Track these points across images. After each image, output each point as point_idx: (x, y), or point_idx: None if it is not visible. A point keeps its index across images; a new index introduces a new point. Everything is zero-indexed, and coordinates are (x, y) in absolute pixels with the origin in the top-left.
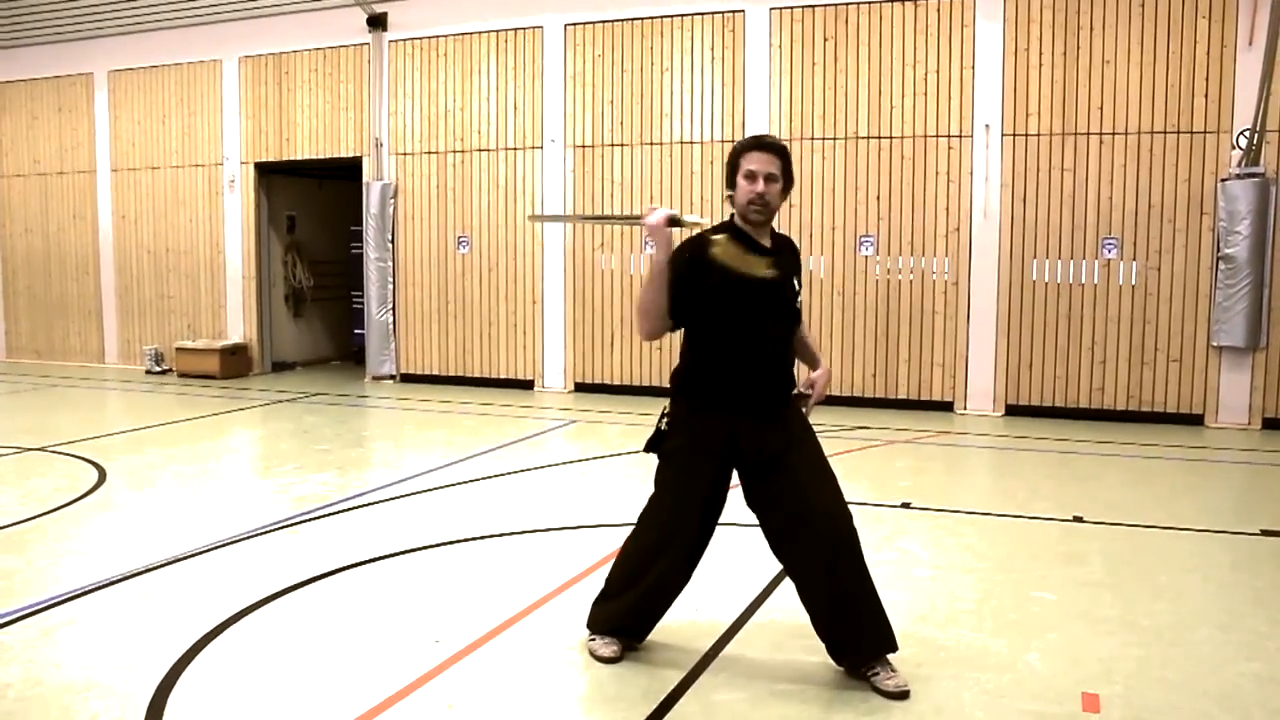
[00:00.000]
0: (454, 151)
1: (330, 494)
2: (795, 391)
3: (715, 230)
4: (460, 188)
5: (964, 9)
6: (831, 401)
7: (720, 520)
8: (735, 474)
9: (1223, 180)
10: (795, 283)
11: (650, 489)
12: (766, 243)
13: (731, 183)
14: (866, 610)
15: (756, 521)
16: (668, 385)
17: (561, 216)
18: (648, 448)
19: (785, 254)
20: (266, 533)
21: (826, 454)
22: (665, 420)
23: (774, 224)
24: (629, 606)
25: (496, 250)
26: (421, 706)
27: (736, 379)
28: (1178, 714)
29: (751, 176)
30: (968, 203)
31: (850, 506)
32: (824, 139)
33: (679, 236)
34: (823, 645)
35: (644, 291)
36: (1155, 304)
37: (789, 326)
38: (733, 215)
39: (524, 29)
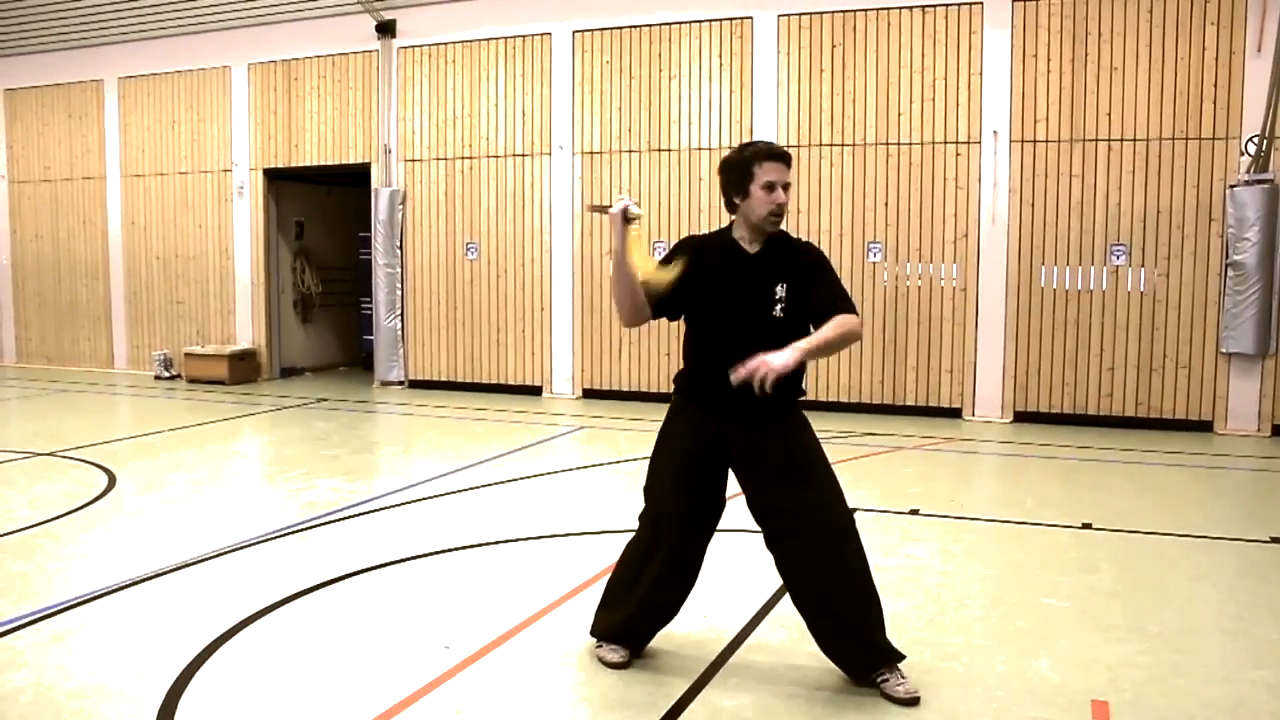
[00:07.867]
0: (462, 158)
1: (339, 499)
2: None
3: (714, 233)
4: (469, 194)
5: (972, 15)
6: (840, 407)
7: (729, 526)
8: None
9: (1231, 187)
10: (779, 289)
11: None
12: (754, 249)
13: (744, 191)
14: (855, 630)
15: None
16: None
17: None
18: None
19: (776, 260)
20: (276, 538)
21: (833, 462)
22: None
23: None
24: (625, 617)
25: (505, 256)
26: (430, 712)
27: (710, 380)
28: None
29: (770, 187)
30: (976, 209)
31: (855, 516)
32: (832, 145)
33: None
34: None
35: (611, 280)
36: (1164, 310)
37: (763, 332)
38: (732, 222)
39: (532, 36)
